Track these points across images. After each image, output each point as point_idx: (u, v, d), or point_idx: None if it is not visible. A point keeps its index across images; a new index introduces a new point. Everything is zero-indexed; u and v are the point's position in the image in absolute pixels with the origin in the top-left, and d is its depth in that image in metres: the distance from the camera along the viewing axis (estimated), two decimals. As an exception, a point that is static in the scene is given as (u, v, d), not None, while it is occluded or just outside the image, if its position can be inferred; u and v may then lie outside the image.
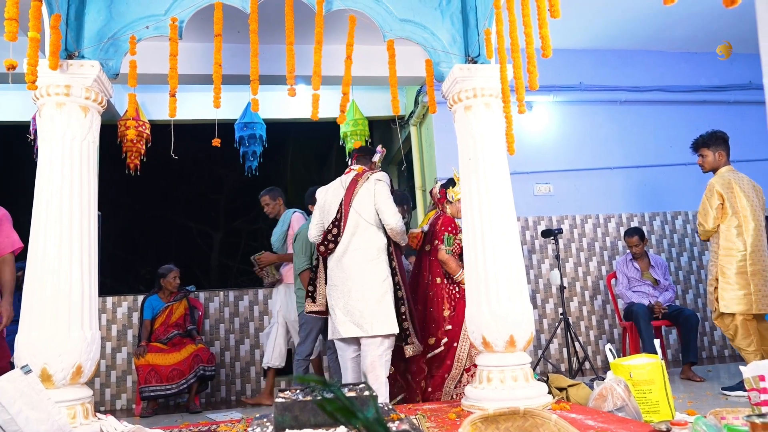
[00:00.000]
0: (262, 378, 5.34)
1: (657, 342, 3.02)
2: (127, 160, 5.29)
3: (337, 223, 3.34)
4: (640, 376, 2.72)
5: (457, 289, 3.63)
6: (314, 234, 3.49)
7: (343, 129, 5.85)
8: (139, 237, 10.42)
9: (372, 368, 3.16)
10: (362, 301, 3.18)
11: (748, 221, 3.81)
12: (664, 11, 5.18)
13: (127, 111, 5.21)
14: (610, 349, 3.06)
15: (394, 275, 3.32)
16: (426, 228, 3.85)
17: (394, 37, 3.06)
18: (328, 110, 4.97)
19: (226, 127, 5.48)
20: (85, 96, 2.64)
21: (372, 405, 1.81)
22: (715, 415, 2.14)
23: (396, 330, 3.21)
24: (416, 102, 5.99)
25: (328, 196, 3.46)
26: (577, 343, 4.90)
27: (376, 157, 3.57)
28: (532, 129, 5.83)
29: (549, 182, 5.82)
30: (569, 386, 3.12)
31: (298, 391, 2.03)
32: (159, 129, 5.61)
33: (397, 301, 3.29)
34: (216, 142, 2.95)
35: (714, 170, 4.04)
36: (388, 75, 2.99)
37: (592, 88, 5.98)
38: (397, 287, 3.31)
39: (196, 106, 6.02)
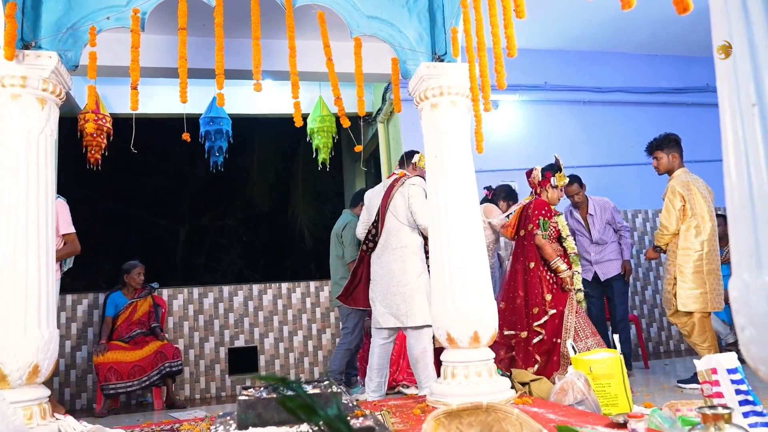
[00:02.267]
0: (227, 376, 5.29)
1: (616, 337, 3.11)
2: (88, 154, 5.15)
3: (376, 224, 3.66)
4: (600, 370, 2.80)
5: (554, 279, 3.73)
6: (361, 231, 3.87)
7: (309, 125, 5.80)
8: (100, 233, 10.13)
9: (422, 358, 3.48)
10: (399, 296, 3.51)
11: (705, 222, 3.91)
12: (625, 15, 5.31)
13: (87, 104, 5.06)
14: (572, 345, 3.13)
15: None
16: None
17: (360, 34, 3.06)
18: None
19: (190, 121, 5.38)
20: (42, 88, 2.57)
21: (335, 402, 1.81)
22: (671, 407, 2.21)
23: (429, 321, 3.42)
24: (383, 99, 5.99)
25: (372, 198, 3.79)
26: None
27: (416, 158, 3.86)
28: (497, 127, 5.91)
29: (514, 180, 5.89)
30: (532, 381, 3.18)
31: (261, 388, 2.02)
32: (122, 123, 5.46)
33: None
34: (186, 136, 2.91)
35: (669, 172, 4.13)
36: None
37: (557, 88, 6.09)
38: None
39: (159, 100, 5.89)
